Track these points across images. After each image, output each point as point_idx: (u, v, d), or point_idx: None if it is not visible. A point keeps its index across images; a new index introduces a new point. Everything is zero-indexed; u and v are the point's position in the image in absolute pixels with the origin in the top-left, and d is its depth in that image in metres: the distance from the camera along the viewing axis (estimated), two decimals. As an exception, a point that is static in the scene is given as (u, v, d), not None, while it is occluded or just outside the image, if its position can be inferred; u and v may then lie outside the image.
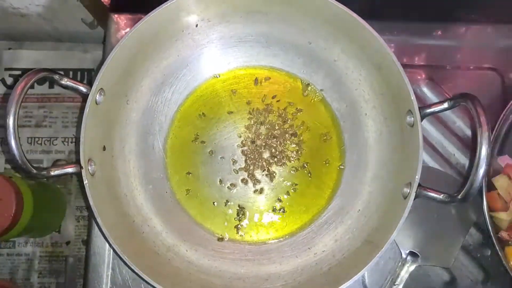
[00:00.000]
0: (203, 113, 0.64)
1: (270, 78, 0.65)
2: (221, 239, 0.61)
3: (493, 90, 0.68)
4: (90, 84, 0.52)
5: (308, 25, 0.60)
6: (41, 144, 0.85)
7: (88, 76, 0.88)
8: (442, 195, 0.48)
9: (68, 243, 0.83)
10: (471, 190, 0.45)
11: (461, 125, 0.66)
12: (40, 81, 0.86)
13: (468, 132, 0.66)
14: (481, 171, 0.43)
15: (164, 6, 0.54)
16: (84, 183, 0.50)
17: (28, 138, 0.85)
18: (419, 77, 0.67)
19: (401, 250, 0.61)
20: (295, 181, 0.62)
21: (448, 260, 0.61)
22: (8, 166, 0.85)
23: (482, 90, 0.67)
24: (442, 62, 0.69)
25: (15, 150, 0.46)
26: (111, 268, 0.61)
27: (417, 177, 0.49)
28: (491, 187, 0.60)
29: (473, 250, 0.62)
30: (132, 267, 0.49)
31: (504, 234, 0.58)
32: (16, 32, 0.87)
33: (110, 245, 0.50)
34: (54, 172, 0.50)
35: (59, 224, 0.83)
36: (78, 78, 0.88)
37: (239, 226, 0.61)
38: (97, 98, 0.53)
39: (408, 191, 0.50)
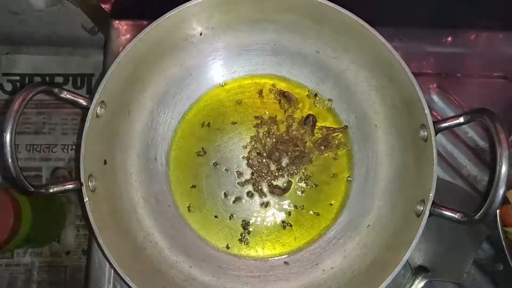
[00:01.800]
0: (207, 124, 0.62)
1: (276, 87, 0.63)
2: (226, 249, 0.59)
3: (504, 98, 0.66)
4: (90, 91, 0.50)
5: (316, 33, 0.58)
6: (40, 151, 0.84)
7: (88, 81, 0.86)
8: (458, 214, 0.46)
9: (68, 253, 0.81)
10: (490, 210, 0.43)
11: (474, 136, 0.64)
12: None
13: (481, 143, 0.64)
14: (501, 191, 0.42)
15: (168, 15, 0.52)
16: (85, 200, 0.48)
17: (26, 145, 0.83)
18: (430, 86, 0.65)
19: (411, 265, 0.60)
20: (302, 194, 0.61)
21: (459, 276, 0.59)
22: (6, 174, 0.84)
23: (493, 99, 0.65)
24: (452, 70, 0.67)
25: (13, 169, 0.44)
26: (113, 283, 0.60)
27: (431, 194, 0.47)
28: (504, 201, 0.58)
29: (485, 265, 0.61)
30: (136, 290, 0.48)
31: (518, 250, 0.57)
32: (15, 37, 0.85)
33: (111, 265, 0.48)
34: (54, 189, 0.48)
35: (59, 233, 0.81)
36: (78, 84, 0.86)
37: (244, 241, 0.59)
38: (97, 111, 0.51)
39: (422, 208, 0.49)
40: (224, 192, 0.61)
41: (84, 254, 0.81)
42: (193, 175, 0.61)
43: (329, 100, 0.62)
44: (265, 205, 0.60)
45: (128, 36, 0.66)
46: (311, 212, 0.60)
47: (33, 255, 0.81)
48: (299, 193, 0.61)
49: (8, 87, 0.86)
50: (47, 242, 0.81)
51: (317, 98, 0.62)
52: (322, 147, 0.61)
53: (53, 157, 0.84)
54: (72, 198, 0.82)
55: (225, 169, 0.61)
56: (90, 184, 0.50)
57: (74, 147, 0.84)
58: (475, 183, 0.63)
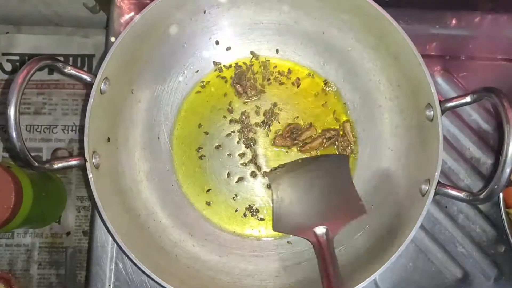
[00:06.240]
0: (210, 104, 0.62)
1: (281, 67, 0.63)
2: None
3: (508, 81, 0.66)
4: (91, 70, 0.50)
5: (322, 13, 0.58)
6: (40, 132, 0.83)
7: (88, 62, 0.85)
8: (464, 193, 0.46)
9: (68, 233, 0.81)
10: (496, 189, 0.43)
11: (477, 119, 0.64)
12: (39, 69, 0.83)
13: (484, 126, 0.64)
14: (508, 170, 0.41)
15: (172, -9, 0.52)
16: (89, 177, 0.48)
17: (27, 125, 0.83)
18: (435, 68, 0.65)
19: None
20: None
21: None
22: (6, 155, 0.83)
23: (497, 82, 0.65)
24: (456, 52, 0.67)
25: (16, 142, 0.44)
26: (115, 262, 0.59)
27: (436, 174, 0.47)
28: (508, 183, 0.58)
29: (486, 247, 0.61)
30: (140, 265, 0.47)
31: (520, 231, 0.57)
32: (14, 16, 0.84)
33: (115, 241, 0.48)
34: (57, 165, 0.48)
35: (59, 214, 0.81)
36: (79, 64, 0.85)
37: (247, 221, 0.59)
38: (102, 87, 0.50)
39: (427, 188, 0.49)
40: (228, 172, 0.60)
41: (85, 235, 0.81)
42: (196, 154, 0.61)
43: (334, 80, 0.62)
44: (269, 185, 0.60)
45: (131, 14, 0.65)
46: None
47: (34, 236, 0.81)
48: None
49: (8, 67, 0.85)
50: (47, 222, 0.81)
51: (326, 85, 0.62)
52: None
53: (53, 138, 0.83)
54: (72, 179, 0.82)
55: (228, 149, 0.61)
56: (94, 160, 0.49)
57: (74, 127, 0.83)
58: (478, 165, 0.63)
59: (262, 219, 0.59)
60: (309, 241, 0.54)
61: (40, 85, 0.84)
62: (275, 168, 0.60)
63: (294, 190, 0.58)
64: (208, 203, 0.60)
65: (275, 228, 0.58)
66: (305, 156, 0.60)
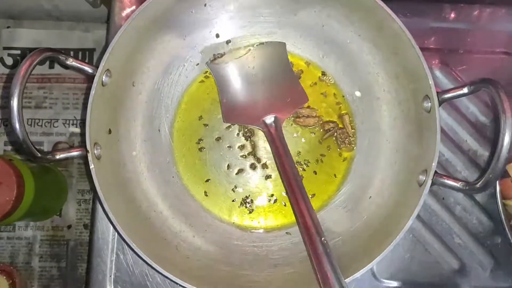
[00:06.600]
0: (210, 97, 0.62)
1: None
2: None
3: (506, 74, 0.66)
4: (92, 65, 0.50)
5: (322, 6, 0.58)
6: (41, 126, 0.84)
7: (89, 56, 0.86)
8: (460, 183, 0.47)
9: (69, 227, 0.82)
10: (492, 179, 0.43)
11: (474, 111, 0.65)
12: (40, 61, 0.84)
13: (482, 118, 0.64)
14: (503, 159, 0.42)
15: (172, -16, 0.52)
16: (90, 167, 0.48)
17: (28, 119, 0.83)
18: (433, 62, 0.65)
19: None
20: (305, 166, 0.61)
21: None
22: (8, 148, 0.84)
23: (495, 75, 0.65)
24: (454, 46, 0.67)
25: (20, 133, 0.44)
26: (116, 253, 0.60)
27: (433, 164, 0.48)
28: (504, 174, 0.59)
29: (483, 238, 0.61)
30: (140, 254, 0.48)
31: (516, 222, 0.58)
32: (15, 10, 0.85)
33: (117, 230, 0.49)
34: (59, 156, 0.48)
35: (60, 207, 0.82)
36: (79, 58, 0.85)
37: (246, 212, 0.60)
38: (103, 79, 0.51)
39: (424, 178, 0.49)
40: (228, 164, 0.61)
41: (85, 228, 0.82)
42: (196, 147, 0.61)
43: (332, 73, 0.62)
44: (268, 177, 0.61)
45: (132, 7, 0.65)
46: (313, 183, 0.60)
47: (35, 229, 0.81)
48: (301, 165, 0.61)
49: (9, 61, 0.86)
50: (48, 215, 0.81)
51: (324, 77, 0.62)
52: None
53: (54, 132, 0.84)
54: (73, 172, 0.83)
55: (228, 141, 0.62)
56: (95, 151, 0.50)
57: (75, 121, 0.84)
58: (475, 157, 0.63)
59: (261, 210, 0.60)
60: (260, 129, 0.60)
61: (41, 79, 0.84)
62: (215, 59, 0.62)
63: (238, 82, 0.61)
64: (207, 195, 0.60)
65: (225, 120, 0.61)
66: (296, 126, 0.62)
